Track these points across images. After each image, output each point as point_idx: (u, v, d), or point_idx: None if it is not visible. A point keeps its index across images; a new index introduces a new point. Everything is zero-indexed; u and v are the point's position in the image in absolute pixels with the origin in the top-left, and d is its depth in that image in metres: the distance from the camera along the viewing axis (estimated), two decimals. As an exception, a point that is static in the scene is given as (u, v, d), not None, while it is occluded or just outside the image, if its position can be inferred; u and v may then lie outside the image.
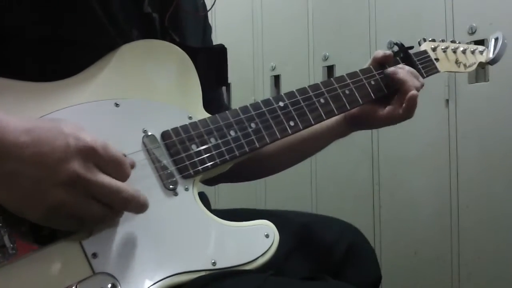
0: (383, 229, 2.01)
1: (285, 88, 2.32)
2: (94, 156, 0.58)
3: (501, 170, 1.70)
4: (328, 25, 2.20)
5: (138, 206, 0.62)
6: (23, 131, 0.55)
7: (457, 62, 1.13)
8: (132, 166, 0.64)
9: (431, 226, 1.88)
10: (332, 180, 2.20)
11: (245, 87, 2.34)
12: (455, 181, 1.81)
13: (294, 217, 0.94)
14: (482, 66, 1.18)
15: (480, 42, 1.70)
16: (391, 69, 0.96)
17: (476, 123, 1.76)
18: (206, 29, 1.00)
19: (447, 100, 1.81)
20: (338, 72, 2.17)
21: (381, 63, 0.98)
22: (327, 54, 2.20)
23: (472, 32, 1.72)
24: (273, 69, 2.41)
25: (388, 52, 0.99)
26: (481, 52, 1.18)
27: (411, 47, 1.03)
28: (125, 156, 0.63)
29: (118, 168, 0.60)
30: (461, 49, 1.15)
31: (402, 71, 0.96)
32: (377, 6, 2.01)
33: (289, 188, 2.19)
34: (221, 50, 0.94)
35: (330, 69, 2.21)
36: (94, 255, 0.61)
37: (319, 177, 2.24)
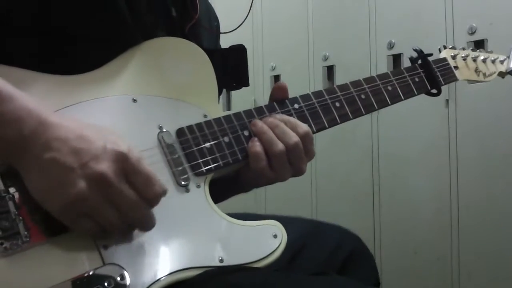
0: (383, 229, 2.01)
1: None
2: (125, 163, 0.60)
3: (501, 170, 1.70)
4: (328, 25, 2.21)
5: (146, 226, 0.65)
6: (70, 129, 0.59)
7: (476, 70, 1.12)
8: (164, 193, 0.65)
9: (431, 226, 1.88)
10: (332, 180, 2.20)
11: (245, 88, 2.34)
12: (455, 181, 1.81)
13: (294, 223, 0.94)
14: (502, 75, 1.17)
15: (480, 42, 1.70)
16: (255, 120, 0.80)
17: (476, 123, 1.76)
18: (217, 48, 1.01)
19: (447, 100, 1.82)
20: (338, 72, 2.17)
21: (275, 98, 0.85)
22: (327, 54, 2.20)
23: (472, 32, 1.72)
24: (273, 69, 2.42)
25: (283, 85, 0.85)
26: (502, 62, 1.16)
27: (430, 54, 1.02)
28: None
29: (147, 183, 0.62)
30: (482, 57, 1.13)
31: (268, 120, 0.79)
32: (377, 6, 2.01)
33: (289, 188, 2.19)
34: (240, 50, 0.93)
35: (330, 69, 2.21)
36: (105, 246, 0.63)
37: (319, 177, 2.24)
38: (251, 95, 2.34)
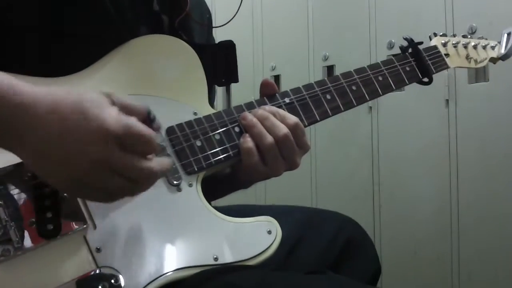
0: (383, 229, 2.01)
1: (285, 88, 2.32)
2: (114, 137, 0.57)
3: (501, 169, 1.70)
4: (328, 25, 2.20)
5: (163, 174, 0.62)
6: (49, 110, 0.55)
7: (467, 57, 1.10)
8: (157, 128, 0.63)
9: (431, 225, 1.88)
10: (332, 179, 2.20)
11: (245, 87, 2.34)
12: (455, 180, 1.81)
13: (292, 211, 0.94)
14: (493, 61, 1.15)
15: (480, 42, 1.70)
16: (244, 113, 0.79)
17: (476, 123, 1.76)
18: (209, 41, 1.00)
19: (447, 100, 1.82)
20: (338, 72, 2.16)
21: (264, 93, 0.85)
22: (327, 54, 2.20)
23: (472, 32, 1.72)
24: (273, 69, 2.41)
25: (269, 81, 0.86)
26: (493, 48, 1.14)
27: (421, 43, 1.01)
28: (152, 116, 0.62)
29: (143, 145, 0.59)
30: (472, 44, 1.11)
31: (258, 113, 0.78)
32: (377, 6, 2.01)
33: (289, 188, 2.19)
34: (230, 46, 0.93)
35: (330, 69, 2.21)
36: (98, 249, 0.62)
37: (319, 176, 2.24)
38: (251, 95, 2.33)
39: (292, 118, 0.79)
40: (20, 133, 0.55)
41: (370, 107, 2.02)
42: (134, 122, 0.58)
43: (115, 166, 0.57)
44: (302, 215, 0.94)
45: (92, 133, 0.56)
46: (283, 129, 0.77)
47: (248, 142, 0.76)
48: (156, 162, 0.60)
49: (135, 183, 0.60)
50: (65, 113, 0.56)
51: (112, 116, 0.57)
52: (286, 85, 2.38)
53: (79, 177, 0.56)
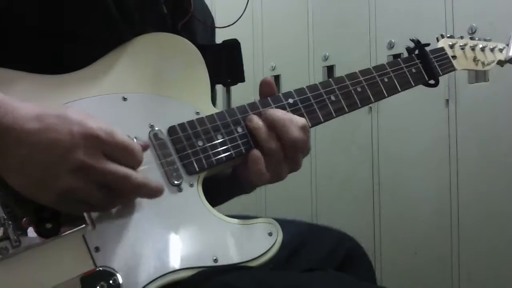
0: (383, 229, 2.01)
1: (285, 88, 2.32)
2: (98, 143, 0.58)
3: (500, 169, 1.70)
4: (328, 25, 2.21)
5: (150, 192, 0.63)
6: (32, 118, 0.57)
7: (475, 60, 1.09)
8: (145, 148, 0.65)
9: (431, 225, 1.88)
10: (332, 180, 2.20)
11: (245, 87, 2.33)
12: (455, 180, 1.81)
13: (290, 226, 0.93)
14: (501, 64, 1.14)
15: (480, 42, 1.70)
16: (250, 116, 0.77)
17: (476, 123, 1.76)
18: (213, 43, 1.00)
19: (447, 100, 1.82)
20: (338, 72, 2.17)
21: (264, 92, 0.83)
22: (327, 54, 2.20)
23: (472, 32, 1.72)
24: (273, 69, 2.41)
25: (269, 80, 0.84)
26: (501, 50, 1.13)
27: (428, 44, 0.99)
28: (135, 138, 0.64)
29: (126, 154, 0.60)
30: (480, 46, 1.10)
31: (266, 115, 0.77)
32: (377, 6, 2.01)
33: (289, 188, 2.19)
34: (234, 45, 0.91)
35: (330, 69, 2.21)
36: (97, 249, 0.62)
37: (319, 177, 2.24)
38: (252, 95, 2.33)
39: (300, 121, 0.77)
40: (4, 149, 0.55)
41: (370, 107, 2.03)
42: (117, 130, 0.60)
43: (97, 172, 0.58)
44: (301, 228, 0.93)
45: (75, 136, 0.57)
46: (293, 132, 0.76)
47: (256, 152, 0.75)
48: (141, 174, 0.61)
49: (118, 194, 0.61)
50: (48, 120, 0.57)
51: (95, 122, 0.59)
52: (286, 85, 2.39)
53: (63, 190, 0.57)
